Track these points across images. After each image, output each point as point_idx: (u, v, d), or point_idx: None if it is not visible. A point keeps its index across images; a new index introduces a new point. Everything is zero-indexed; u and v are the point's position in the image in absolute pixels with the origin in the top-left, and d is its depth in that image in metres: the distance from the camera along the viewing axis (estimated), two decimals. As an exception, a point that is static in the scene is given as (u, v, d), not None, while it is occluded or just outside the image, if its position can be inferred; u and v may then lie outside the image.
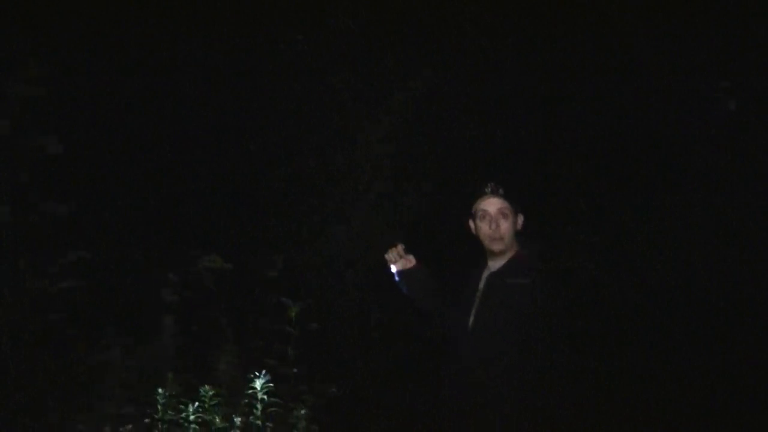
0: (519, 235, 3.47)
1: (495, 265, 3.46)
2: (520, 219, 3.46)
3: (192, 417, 3.47)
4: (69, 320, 3.35)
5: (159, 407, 3.49)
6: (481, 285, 3.45)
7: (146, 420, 3.53)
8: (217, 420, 3.53)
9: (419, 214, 6.65)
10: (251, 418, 3.56)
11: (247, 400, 3.60)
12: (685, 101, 6.54)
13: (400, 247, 3.66)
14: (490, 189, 3.47)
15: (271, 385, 3.56)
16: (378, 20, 6.68)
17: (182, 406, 3.51)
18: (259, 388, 3.52)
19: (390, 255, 3.65)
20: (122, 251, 5.53)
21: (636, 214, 7.08)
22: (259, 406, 3.53)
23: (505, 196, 3.44)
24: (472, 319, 3.38)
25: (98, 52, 6.11)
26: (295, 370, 4.01)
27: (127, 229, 5.97)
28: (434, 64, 6.70)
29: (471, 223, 3.51)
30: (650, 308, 7.00)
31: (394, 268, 3.65)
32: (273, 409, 3.57)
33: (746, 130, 6.43)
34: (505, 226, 3.43)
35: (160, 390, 3.51)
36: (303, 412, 3.72)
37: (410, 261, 3.66)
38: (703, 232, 6.45)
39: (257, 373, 3.56)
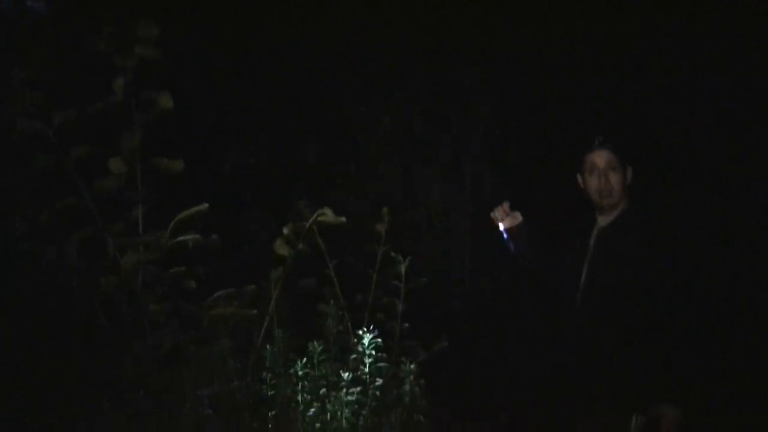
0: (629, 189, 3.32)
1: (605, 220, 3.30)
2: (630, 172, 3.31)
3: (300, 372, 3.45)
4: (186, 273, 3.24)
5: (267, 362, 3.46)
6: (591, 242, 3.30)
7: (254, 375, 3.47)
8: (326, 375, 3.50)
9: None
10: (359, 373, 3.53)
11: (355, 356, 3.57)
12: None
13: (506, 205, 3.55)
14: (598, 142, 3.33)
15: (379, 340, 3.54)
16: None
17: (290, 362, 3.49)
18: (366, 344, 3.50)
19: (496, 213, 3.55)
20: (236, 204, 5.53)
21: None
22: (367, 361, 3.50)
23: (614, 149, 3.31)
24: (583, 277, 3.24)
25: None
26: (406, 324, 3.93)
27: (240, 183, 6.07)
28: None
29: (579, 178, 3.37)
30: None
31: (501, 226, 3.54)
32: (381, 364, 3.54)
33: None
34: (615, 180, 3.27)
35: (267, 346, 3.48)
36: (412, 366, 3.65)
37: (516, 218, 3.54)
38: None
39: (365, 329, 3.55)
